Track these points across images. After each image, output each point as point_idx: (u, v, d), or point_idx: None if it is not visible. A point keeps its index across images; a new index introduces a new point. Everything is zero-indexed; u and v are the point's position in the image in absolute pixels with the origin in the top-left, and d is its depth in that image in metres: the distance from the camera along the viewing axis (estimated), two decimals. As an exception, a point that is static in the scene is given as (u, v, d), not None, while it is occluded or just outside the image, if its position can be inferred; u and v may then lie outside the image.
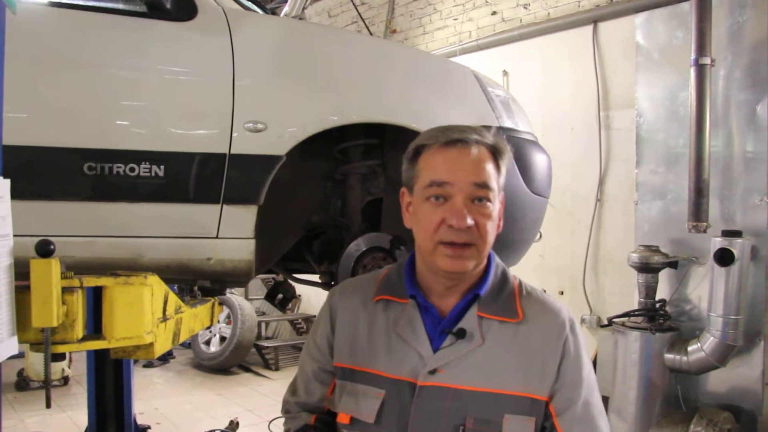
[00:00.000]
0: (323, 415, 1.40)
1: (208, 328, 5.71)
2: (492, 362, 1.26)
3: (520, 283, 1.36)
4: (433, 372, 1.25)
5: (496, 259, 1.36)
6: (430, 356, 1.27)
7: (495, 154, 1.27)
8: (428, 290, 1.32)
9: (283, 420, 1.48)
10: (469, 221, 1.21)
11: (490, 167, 1.25)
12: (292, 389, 1.47)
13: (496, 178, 1.26)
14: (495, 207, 1.26)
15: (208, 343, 7.10)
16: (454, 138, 1.25)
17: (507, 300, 1.31)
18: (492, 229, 1.25)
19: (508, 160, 1.30)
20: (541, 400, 1.26)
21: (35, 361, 5.78)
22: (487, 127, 1.30)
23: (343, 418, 1.31)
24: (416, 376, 1.26)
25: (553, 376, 1.27)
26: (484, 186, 1.23)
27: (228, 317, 6.94)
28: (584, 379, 1.29)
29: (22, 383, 5.84)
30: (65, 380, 6.05)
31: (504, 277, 1.35)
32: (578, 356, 1.30)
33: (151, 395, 6.00)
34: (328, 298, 1.43)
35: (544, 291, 1.41)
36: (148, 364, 6.80)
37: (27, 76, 1.82)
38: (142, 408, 5.17)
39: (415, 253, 1.35)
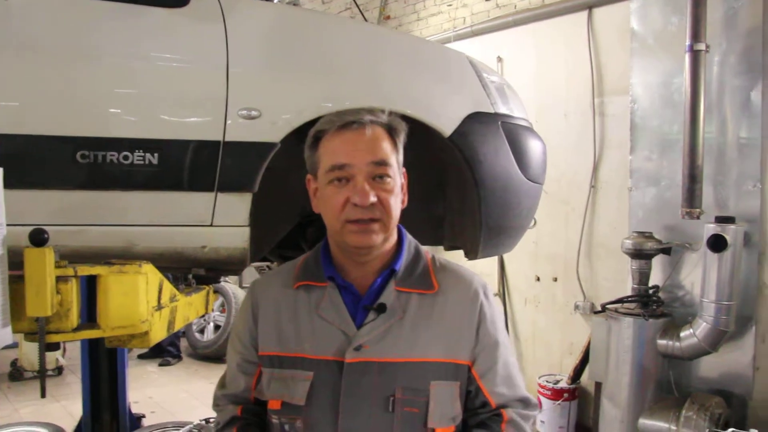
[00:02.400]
0: (250, 406, 1.43)
1: (202, 316, 5.71)
2: (414, 333, 1.33)
3: (433, 257, 1.44)
4: (358, 348, 1.30)
5: (408, 236, 1.43)
6: (354, 333, 1.32)
7: (390, 132, 1.33)
8: (344, 271, 1.38)
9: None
10: (372, 198, 1.27)
11: (386, 145, 1.31)
12: (221, 383, 1.50)
13: (395, 154, 1.33)
14: (396, 182, 1.32)
15: (202, 331, 7.09)
16: (348, 120, 1.31)
17: (422, 273, 1.38)
18: (396, 204, 1.32)
19: (404, 137, 1.36)
20: (464, 365, 1.35)
21: (29, 351, 5.76)
22: (381, 110, 1.36)
23: (273, 405, 1.34)
24: (342, 355, 1.30)
25: (472, 341, 1.36)
26: (383, 163, 1.29)
27: (222, 305, 6.94)
28: (501, 341, 1.39)
29: (16, 373, 5.83)
30: (59, 370, 6.04)
31: (417, 252, 1.42)
32: (493, 320, 1.40)
33: (145, 384, 6.00)
34: (249, 291, 1.47)
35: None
36: (165, 363, 6.74)
37: (19, 64, 1.80)
38: (136, 397, 5.16)
39: (328, 238, 1.41)
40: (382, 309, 1.32)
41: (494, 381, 1.36)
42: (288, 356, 1.34)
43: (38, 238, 1.37)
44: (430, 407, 1.29)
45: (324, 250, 1.41)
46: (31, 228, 1.45)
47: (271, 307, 1.39)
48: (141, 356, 6.86)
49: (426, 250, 1.44)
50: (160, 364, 6.73)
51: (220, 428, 1.44)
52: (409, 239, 1.43)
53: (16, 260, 1.39)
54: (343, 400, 1.29)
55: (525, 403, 1.40)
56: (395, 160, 1.32)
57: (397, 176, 1.32)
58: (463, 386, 1.35)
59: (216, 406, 1.49)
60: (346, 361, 1.30)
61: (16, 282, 1.36)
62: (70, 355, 6.04)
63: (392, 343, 1.31)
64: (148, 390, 5.81)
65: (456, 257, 2.49)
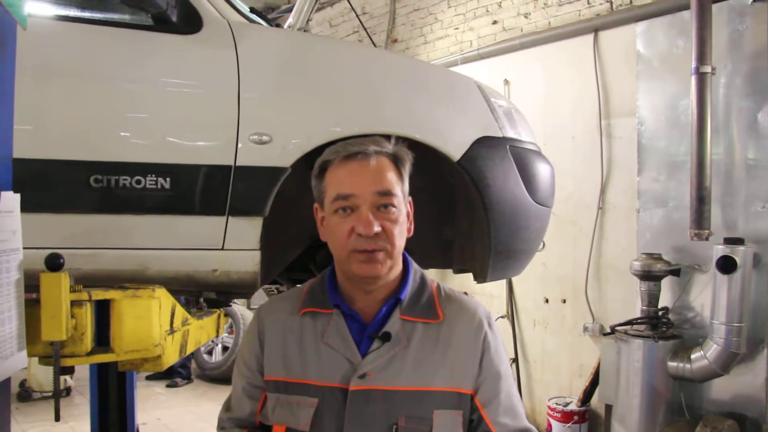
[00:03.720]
0: (255, 430, 1.43)
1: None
2: (418, 362, 1.33)
3: (438, 286, 1.45)
4: (362, 376, 1.31)
5: (414, 265, 1.44)
6: (359, 361, 1.32)
7: (396, 162, 1.35)
8: (350, 299, 1.38)
9: None
10: (376, 228, 1.27)
11: (391, 175, 1.32)
12: (226, 406, 1.50)
13: (400, 184, 1.34)
14: (401, 212, 1.33)
15: (210, 353, 7.08)
16: (353, 151, 1.32)
17: (427, 302, 1.39)
18: (400, 233, 1.32)
19: (409, 166, 1.37)
20: (467, 394, 1.35)
21: (38, 372, 5.77)
22: (387, 137, 1.37)
23: (278, 430, 1.34)
24: (347, 382, 1.31)
25: (475, 371, 1.36)
26: (387, 193, 1.30)
27: (230, 327, 6.93)
28: (504, 371, 1.40)
29: (25, 394, 5.83)
30: (68, 391, 6.04)
31: (423, 281, 1.42)
32: (497, 350, 1.40)
33: (153, 406, 5.99)
34: (255, 315, 1.47)
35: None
36: (173, 384, 6.74)
37: (34, 89, 1.83)
38: (144, 419, 5.15)
39: (335, 266, 1.41)
40: (386, 337, 1.33)
41: (497, 411, 1.36)
42: (293, 382, 1.35)
43: (54, 263, 1.39)
44: None
45: (330, 278, 1.42)
46: (46, 252, 1.46)
47: (278, 333, 1.40)
48: (149, 377, 6.85)
49: (431, 279, 1.45)
50: (168, 386, 6.71)
51: None
52: (415, 268, 1.43)
53: (31, 284, 1.41)
54: (347, 427, 1.29)
55: None
56: (400, 189, 1.33)
57: (402, 206, 1.33)
58: (466, 415, 1.35)
59: (221, 429, 1.49)
60: (350, 388, 1.30)
61: (32, 306, 1.37)
62: (78, 376, 6.03)
63: (396, 371, 1.31)
64: (156, 411, 5.80)
65: (465, 280, 2.50)
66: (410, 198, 1.39)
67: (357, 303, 1.38)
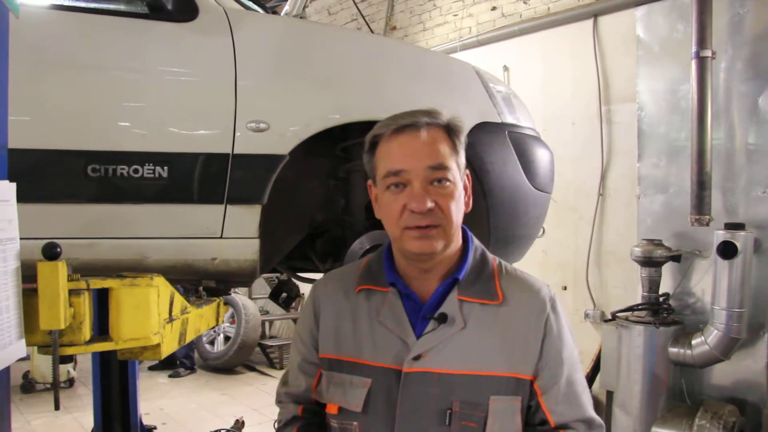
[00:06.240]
0: (311, 406, 1.41)
1: (213, 328, 5.73)
2: (475, 345, 1.27)
3: (500, 264, 1.37)
4: (417, 358, 1.27)
5: (475, 241, 1.37)
6: (414, 342, 1.28)
7: (449, 133, 1.28)
8: (407, 277, 1.33)
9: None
10: (429, 204, 1.22)
11: (444, 147, 1.26)
12: (284, 380, 1.49)
13: (454, 156, 1.27)
14: (457, 186, 1.26)
15: (212, 342, 7.11)
16: (403, 123, 1.26)
17: (487, 282, 1.32)
18: (456, 208, 1.26)
19: (464, 137, 1.31)
20: (526, 379, 1.27)
21: (41, 364, 5.79)
22: (440, 111, 1.30)
23: (331, 409, 1.32)
24: (401, 363, 1.27)
25: (536, 355, 1.28)
26: (440, 167, 1.24)
27: (232, 317, 6.95)
28: (567, 356, 1.31)
29: (28, 385, 5.85)
30: (71, 382, 6.06)
31: (483, 259, 1.36)
32: (560, 334, 1.32)
33: (156, 396, 6.01)
34: (312, 291, 1.44)
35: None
36: (175, 374, 6.76)
37: (30, 79, 1.82)
38: (147, 408, 5.18)
39: (391, 243, 1.37)
40: (443, 319, 1.27)
41: (556, 399, 1.28)
42: (346, 361, 1.33)
43: (51, 252, 1.38)
44: (488, 422, 1.24)
45: (387, 255, 1.37)
46: (44, 242, 1.46)
47: (332, 310, 1.37)
48: (151, 368, 6.88)
49: (494, 257, 1.39)
50: (171, 376, 6.74)
51: (281, 426, 1.43)
52: (476, 245, 1.37)
53: (29, 274, 1.41)
54: (400, 410, 1.25)
55: (588, 424, 1.31)
56: (455, 162, 1.27)
57: (457, 179, 1.27)
58: (525, 401, 1.28)
59: (279, 402, 1.47)
60: (403, 370, 1.26)
61: (30, 295, 1.37)
62: (81, 367, 6.06)
63: (452, 354, 1.26)
64: (159, 402, 5.82)
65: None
66: (467, 171, 1.33)
67: (413, 281, 1.33)
